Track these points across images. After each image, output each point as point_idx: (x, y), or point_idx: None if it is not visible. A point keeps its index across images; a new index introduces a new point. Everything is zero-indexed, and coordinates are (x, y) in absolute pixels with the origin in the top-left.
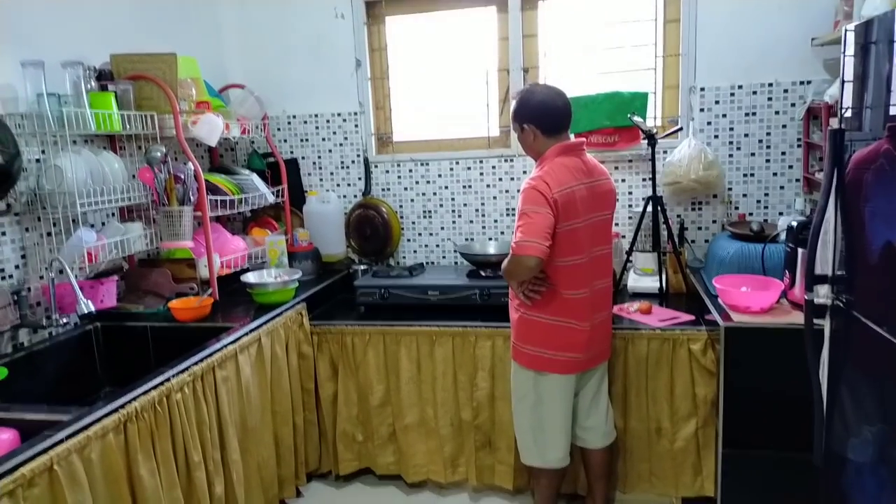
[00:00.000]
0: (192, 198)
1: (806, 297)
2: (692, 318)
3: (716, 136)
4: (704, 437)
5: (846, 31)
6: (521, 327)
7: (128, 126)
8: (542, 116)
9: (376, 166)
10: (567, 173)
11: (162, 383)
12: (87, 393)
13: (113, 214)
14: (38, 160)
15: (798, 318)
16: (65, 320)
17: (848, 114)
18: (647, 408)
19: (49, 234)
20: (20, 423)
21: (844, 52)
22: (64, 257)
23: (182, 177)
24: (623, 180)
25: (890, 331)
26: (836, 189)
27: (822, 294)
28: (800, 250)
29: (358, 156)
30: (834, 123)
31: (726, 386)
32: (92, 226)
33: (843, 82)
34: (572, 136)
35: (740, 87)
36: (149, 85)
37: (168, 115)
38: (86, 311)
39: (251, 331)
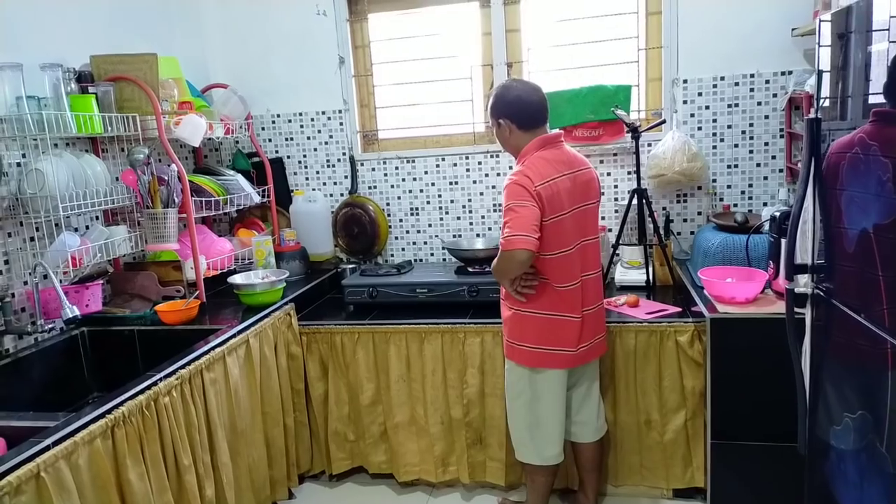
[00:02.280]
0: (176, 199)
1: (787, 287)
2: (679, 310)
3: (699, 128)
4: (694, 428)
5: (820, 21)
6: (514, 324)
7: (109, 128)
8: (517, 111)
9: (362, 164)
10: (548, 166)
11: (150, 387)
12: (74, 399)
13: (97, 218)
14: (18, 164)
15: (782, 307)
16: (50, 326)
17: (825, 103)
18: (637, 400)
19: (32, 238)
20: (6, 431)
21: (819, 43)
22: (48, 262)
23: (166, 178)
24: (608, 174)
25: (868, 318)
26: (814, 178)
27: (803, 283)
28: (782, 240)
29: (343, 154)
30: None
31: (713, 377)
32: (75, 229)
33: (818, 72)
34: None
35: (722, 78)
36: (130, 86)
37: (150, 116)
38: (71, 316)
39: (239, 332)
